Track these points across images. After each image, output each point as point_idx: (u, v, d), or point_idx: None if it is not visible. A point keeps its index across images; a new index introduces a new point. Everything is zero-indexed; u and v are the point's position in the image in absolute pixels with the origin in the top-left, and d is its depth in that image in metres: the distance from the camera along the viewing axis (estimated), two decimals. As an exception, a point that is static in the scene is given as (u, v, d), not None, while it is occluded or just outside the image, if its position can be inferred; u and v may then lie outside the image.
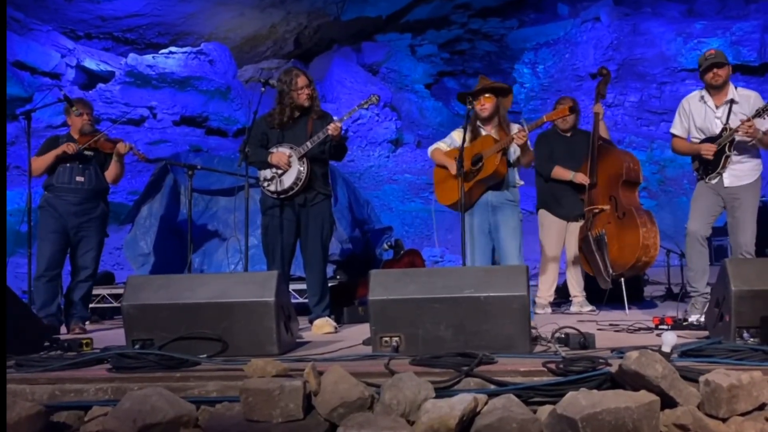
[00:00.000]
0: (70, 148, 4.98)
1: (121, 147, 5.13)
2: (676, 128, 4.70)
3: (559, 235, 5.46)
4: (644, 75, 16.21)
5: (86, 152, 5.08)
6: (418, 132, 16.48)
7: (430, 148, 5.08)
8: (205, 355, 3.05)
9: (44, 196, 5.10)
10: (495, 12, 18.16)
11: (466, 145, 4.80)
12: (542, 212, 5.54)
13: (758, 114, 4.25)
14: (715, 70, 4.42)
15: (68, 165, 5.04)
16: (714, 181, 4.50)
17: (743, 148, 4.44)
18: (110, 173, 5.20)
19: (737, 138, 4.37)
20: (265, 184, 4.57)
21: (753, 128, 4.26)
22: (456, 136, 4.98)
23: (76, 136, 5.15)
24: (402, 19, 17.66)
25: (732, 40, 15.49)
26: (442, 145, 4.98)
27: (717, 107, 4.49)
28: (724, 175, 4.45)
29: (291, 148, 4.52)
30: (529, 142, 4.67)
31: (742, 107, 4.41)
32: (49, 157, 5.02)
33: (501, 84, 4.96)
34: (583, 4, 17.42)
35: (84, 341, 3.51)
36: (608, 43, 16.52)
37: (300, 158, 4.49)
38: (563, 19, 17.69)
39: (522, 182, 4.98)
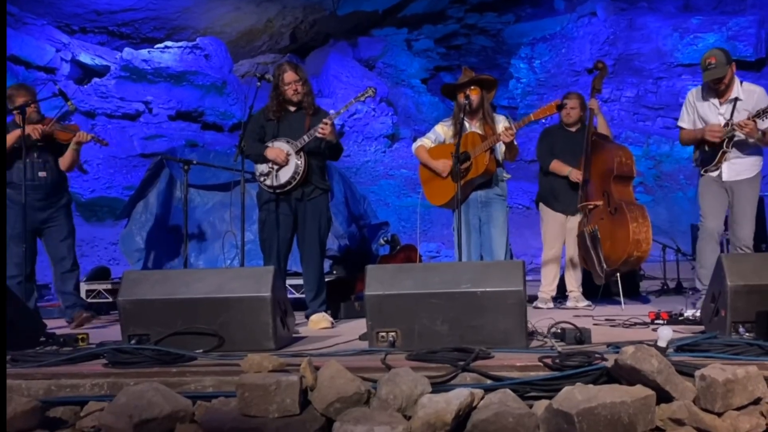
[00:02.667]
0: (36, 131, 4.66)
1: (83, 135, 4.90)
2: (683, 120, 4.70)
3: (560, 229, 5.45)
4: (640, 70, 16.19)
5: (38, 143, 4.83)
6: (414, 127, 16.44)
7: (414, 145, 5.04)
8: (201, 351, 3.05)
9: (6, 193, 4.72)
10: (491, 7, 18.12)
11: (450, 139, 4.80)
12: (542, 206, 5.55)
13: (758, 115, 4.25)
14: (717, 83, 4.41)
15: (28, 161, 4.69)
16: (713, 174, 4.50)
17: (743, 144, 4.44)
18: (65, 161, 4.95)
19: (736, 136, 4.37)
20: (262, 178, 4.56)
21: (752, 128, 4.26)
22: (440, 131, 4.96)
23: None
24: (398, 14, 17.62)
25: (728, 35, 15.47)
26: (427, 141, 4.95)
27: (721, 104, 4.49)
28: (723, 168, 4.46)
29: (288, 142, 4.51)
30: (515, 140, 4.69)
31: (747, 103, 4.40)
32: (11, 138, 4.70)
33: (487, 76, 4.95)
34: (580, -2, 17.41)
35: (79, 336, 3.51)
36: (604, 38, 16.49)
37: (297, 152, 4.48)
38: (560, 14, 17.65)
39: (509, 176, 4.99)
